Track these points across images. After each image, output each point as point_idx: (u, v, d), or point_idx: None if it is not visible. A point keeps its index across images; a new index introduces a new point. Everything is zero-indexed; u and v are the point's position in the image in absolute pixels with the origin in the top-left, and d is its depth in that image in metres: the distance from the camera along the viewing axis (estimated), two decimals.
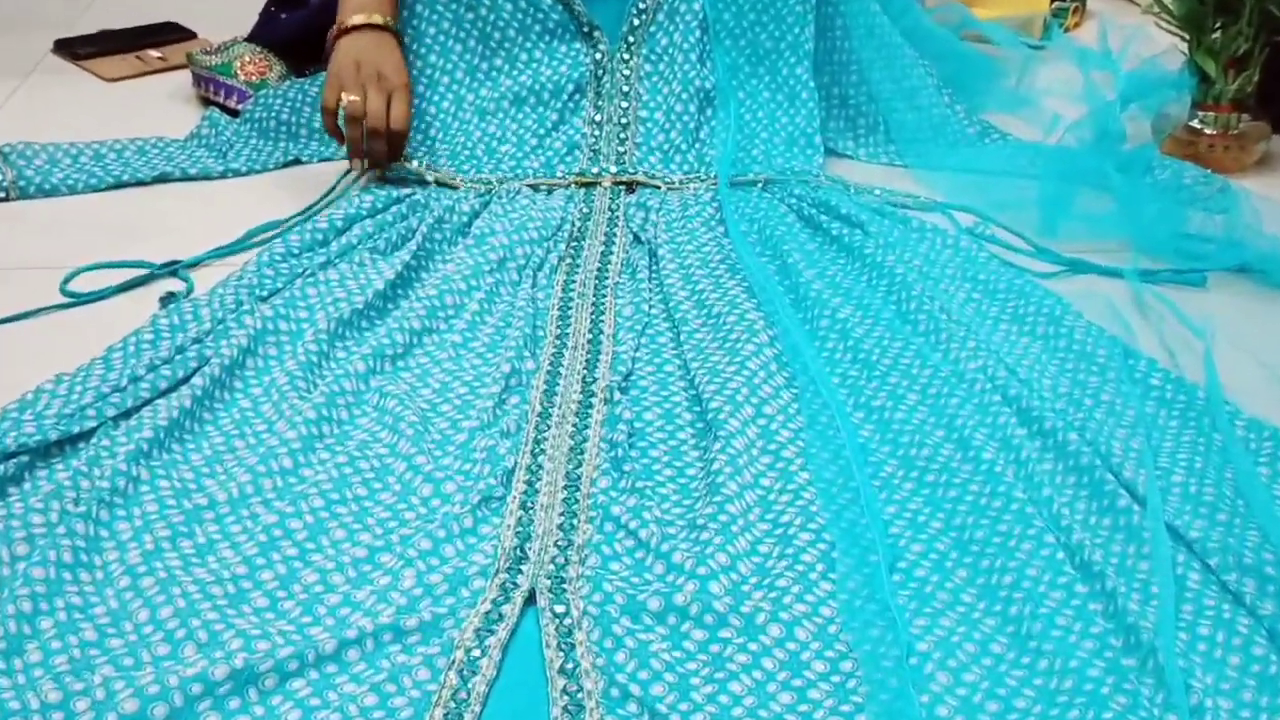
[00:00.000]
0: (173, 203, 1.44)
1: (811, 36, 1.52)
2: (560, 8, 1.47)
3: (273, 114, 1.56)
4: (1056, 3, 2.06)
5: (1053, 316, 1.19)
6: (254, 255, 1.25)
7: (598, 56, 1.48)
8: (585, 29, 1.48)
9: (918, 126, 1.55)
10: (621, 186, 1.43)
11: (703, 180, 1.44)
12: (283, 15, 1.71)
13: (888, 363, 1.12)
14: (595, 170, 1.44)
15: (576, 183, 1.42)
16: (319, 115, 1.54)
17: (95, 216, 1.40)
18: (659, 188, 1.41)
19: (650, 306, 1.22)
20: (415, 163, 1.42)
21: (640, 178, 1.43)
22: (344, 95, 1.37)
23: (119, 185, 1.46)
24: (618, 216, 1.38)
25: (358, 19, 1.41)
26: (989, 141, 1.57)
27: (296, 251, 1.27)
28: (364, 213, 1.34)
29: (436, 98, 1.48)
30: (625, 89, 1.48)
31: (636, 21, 1.48)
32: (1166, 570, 0.89)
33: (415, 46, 1.47)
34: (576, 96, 1.48)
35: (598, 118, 1.48)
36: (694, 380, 1.09)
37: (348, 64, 1.38)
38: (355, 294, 1.20)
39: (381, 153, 1.39)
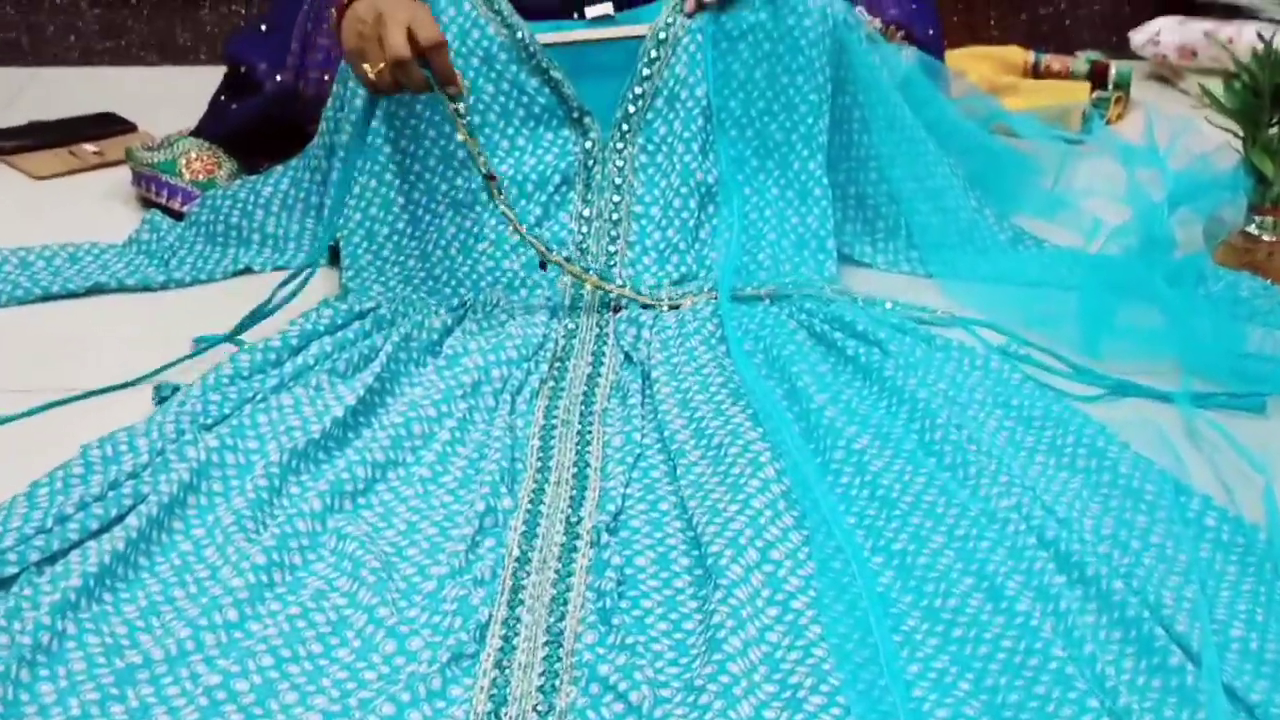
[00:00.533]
0: (109, 317, 1.46)
1: (826, 128, 1.56)
2: (548, 91, 1.51)
3: (221, 217, 1.60)
4: (1097, 92, 2.11)
5: (1095, 448, 1.21)
6: (197, 378, 1.27)
7: (588, 145, 1.52)
8: (575, 115, 1.52)
9: (943, 230, 1.58)
10: (608, 300, 1.45)
11: (700, 292, 1.46)
12: (233, 105, 1.75)
13: (909, 500, 1.13)
14: (582, 267, 1.47)
15: (563, 267, 1.43)
16: (271, 219, 1.58)
17: (21, 333, 1.43)
18: (651, 305, 1.44)
19: (643, 436, 1.24)
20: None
21: (626, 291, 1.45)
22: (366, 69, 1.35)
23: (48, 297, 1.49)
24: (606, 334, 1.41)
25: None
26: (1022, 248, 1.61)
27: (245, 373, 1.29)
28: (321, 329, 1.37)
29: (407, 187, 1.51)
30: (618, 181, 1.52)
31: (632, 108, 1.52)
32: None
33: (385, 130, 1.50)
34: (564, 189, 1.52)
35: (586, 213, 1.51)
36: (692, 520, 1.10)
37: (353, 34, 1.36)
38: (311, 422, 1.22)
39: (421, 80, 1.35)
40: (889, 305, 1.47)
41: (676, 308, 1.45)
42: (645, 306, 1.45)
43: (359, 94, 1.45)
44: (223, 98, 1.77)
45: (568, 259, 1.45)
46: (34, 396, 1.28)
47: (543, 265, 1.42)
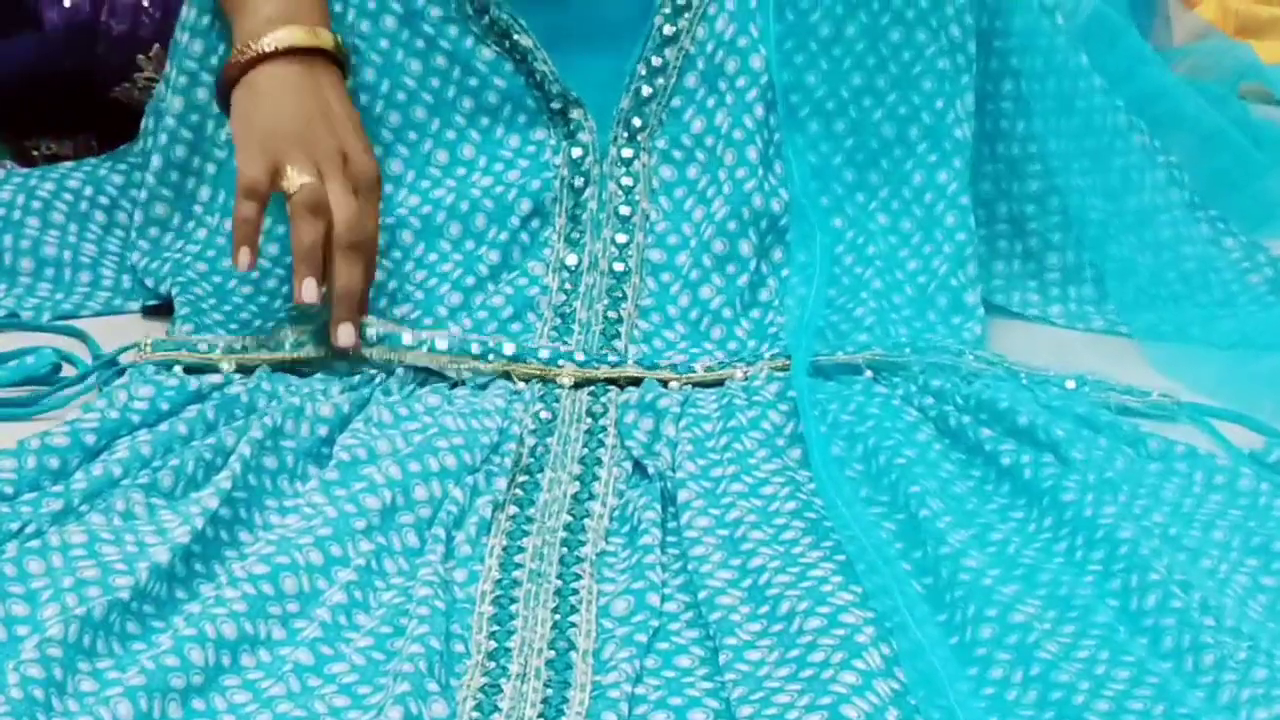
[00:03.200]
0: None
1: (970, 115, 1.57)
2: (509, 67, 1.52)
3: None
4: None
5: None
6: None
7: (576, 154, 1.53)
8: (556, 105, 1.53)
9: (1157, 274, 1.59)
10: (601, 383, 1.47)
11: (762, 364, 1.47)
12: None
13: (1105, 709, 1.13)
14: (566, 346, 1.47)
15: (516, 373, 1.45)
16: (51, 235, 1.59)
17: None
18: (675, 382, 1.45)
19: (664, 599, 1.24)
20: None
21: (632, 370, 1.47)
22: (289, 172, 1.42)
23: None
24: (604, 428, 1.42)
25: (283, 35, 1.45)
26: None
27: (8, 491, 1.30)
28: (135, 418, 1.38)
29: (282, 230, 1.52)
30: (625, 212, 1.53)
31: (647, 89, 1.53)
32: None
33: None
34: (535, 225, 1.53)
35: (573, 262, 1.52)
36: None
37: (285, 119, 1.43)
38: (117, 572, 1.22)
39: (357, 283, 1.44)
40: (1071, 385, 1.47)
41: (716, 384, 1.46)
42: (681, 372, 1.46)
43: None
44: None
45: (515, 355, 1.46)
46: None
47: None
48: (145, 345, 1.46)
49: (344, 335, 1.44)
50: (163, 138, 1.57)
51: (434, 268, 1.52)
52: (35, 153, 1.68)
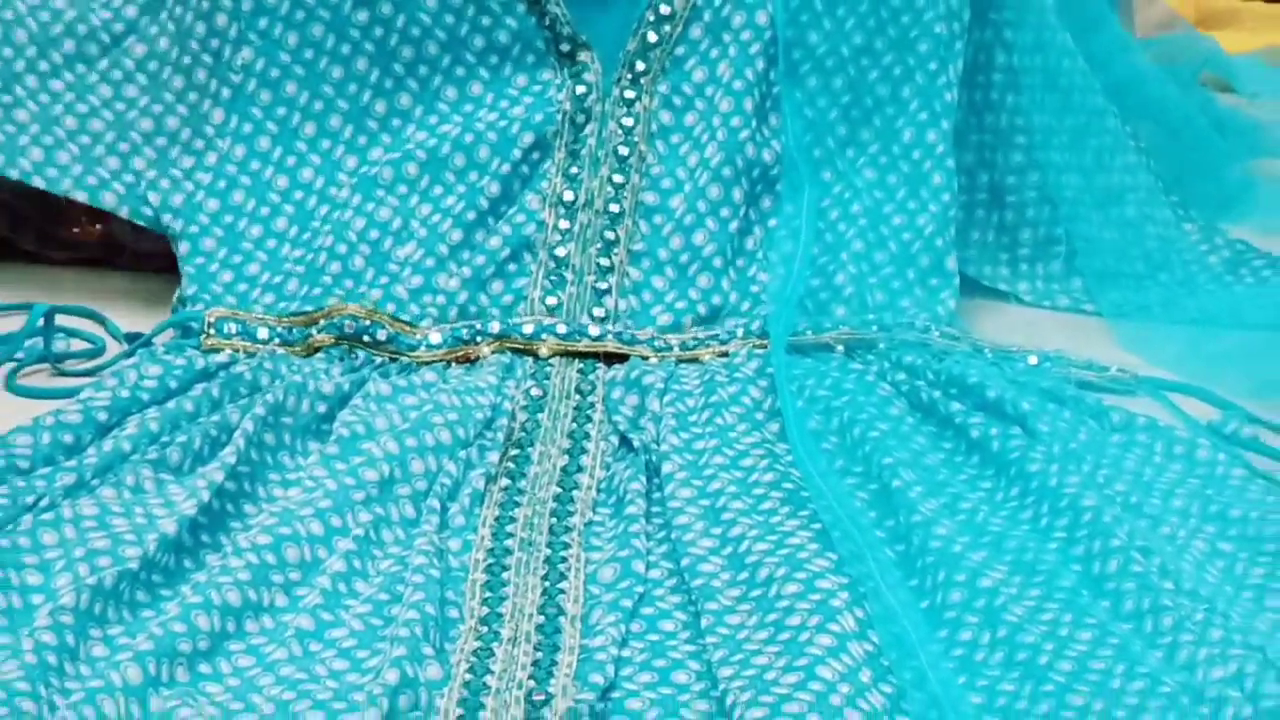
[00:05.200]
0: None
1: (957, 80, 1.57)
2: (522, 8, 1.53)
3: None
4: None
5: None
6: None
7: (580, 92, 1.53)
8: (564, 46, 1.53)
9: (1123, 251, 1.60)
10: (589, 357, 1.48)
11: (737, 337, 1.47)
12: None
13: (1068, 669, 1.13)
14: (554, 301, 1.48)
15: (509, 348, 1.46)
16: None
17: None
18: (663, 347, 1.45)
19: (648, 566, 1.25)
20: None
21: (611, 345, 1.47)
22: None
23: None
24: (592, 404, 1.42)
25: None
26: (1247, 276, 1.62)
27: (23, 465, 1.30)
28: (144, 396, 1.39)
29: (293, 161, 1.53)
30: (623, 152, 1.53)
31: (653, 35, 1.53)
32: None
33: (263, 67, 1.54)
34: (535, 157, 1.53)
35: (570, 197, 1.52)
36: (724, 700, 1.11)
37: None
38: (127, 542, 1.22)
39: None
40: (1034, 360, 1.48)
41: (695, 360, 1.46)
42: (659, 350, 1.46)
43: None
44: None
45: (501, 333, 1.47)
46: None
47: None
48: (208, 329, 1.47)
49: None
50: (186, 58, 1.57)
51: (438, 201, 1.52)
52: None
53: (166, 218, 1.58)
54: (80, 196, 1.58)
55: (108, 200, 1.58)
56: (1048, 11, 1.60)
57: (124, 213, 1.59)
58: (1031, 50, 1.60)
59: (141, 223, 1.59)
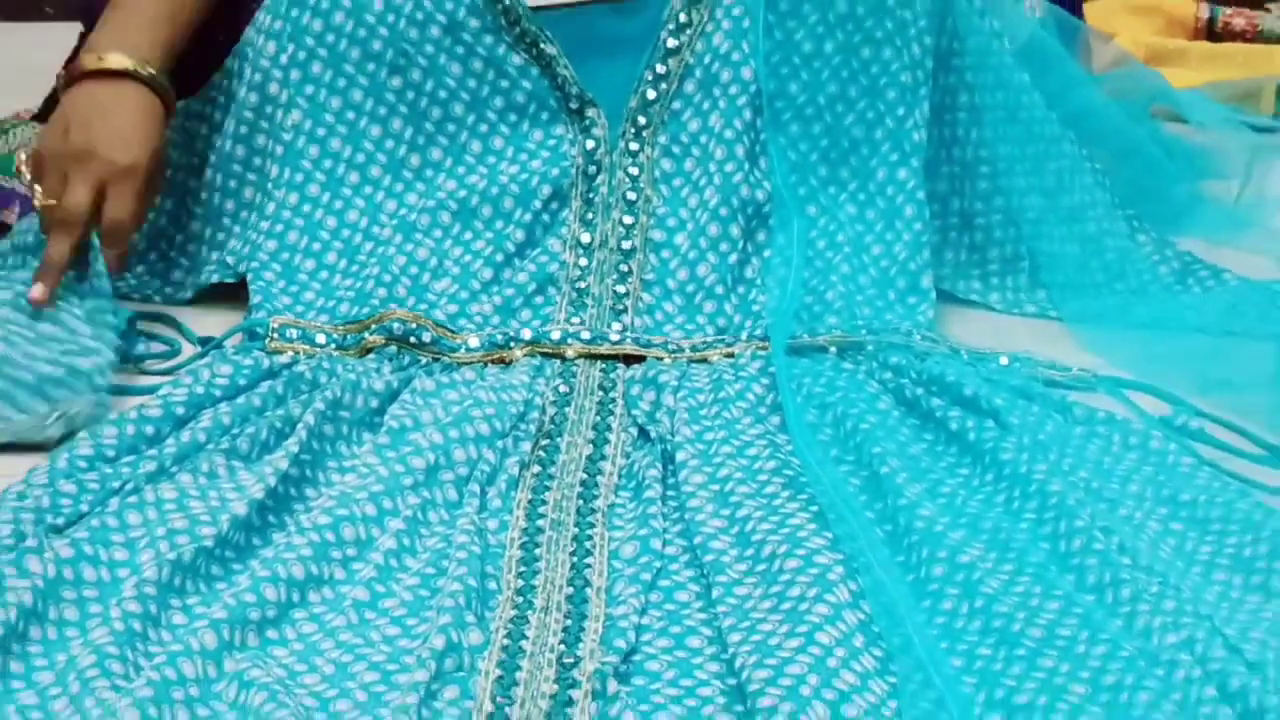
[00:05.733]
0: None
1: (925, 121, 1.57)
2: (536, 72, 1.54)
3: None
4: None
5: None
6: (41, 462, 1.29)
7: (590, 146, 1.54)
8: (574, 105, 1.54)
9: (1083, 265, 1.60)
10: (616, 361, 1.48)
11: (746, 342, 1.48)
12: None
13: (1038, 635, 1.14)
14: (578, 322, 1.48)
15: (539, 353, 1.46)
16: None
17: None
18: (666, 359, 1.46)
19: (665, 543, 1.25)
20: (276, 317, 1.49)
21: (630, 348, 1.48)
22: (35, 189, 1.47)
23: None
24: (614, 399, 1.42)
25: (92, 60, 1.51)
26: (1195, 284, 1.62)
27: (110, 455, 1.30)
28: (216, 393, 1.39)
29: (340, 205, 1.54)
30: (631, 197, 1.54)
31: (652, 93, 1.54)
32: None
33: (311, 127, 1.54)
34: (554, 206, 1.54)
35: (586, 239, 1.53)
36: (733, 663, 1.11)
37: (57, 133, 1.48)
38: (202, 523, 1.22)
39: (61, 260, 1.47)
40: (1004, 361, 1.48)
41: (704, 360, 1.46)
42: (672, 351, 1.46)
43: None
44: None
45: (532, 339, 1.48)
46: None
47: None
48: (273, 332, 1.48)
49: (35, 291, 1.46)
50: (243, 129, 1.57)
51: (469, 245, 1.53)
52: None
53: (231, 259, 1.59)
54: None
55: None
56: (1005, 54, 1.60)
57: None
58: (992, 89, 1.60)
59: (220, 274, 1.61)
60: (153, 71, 1.51)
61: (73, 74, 1.51)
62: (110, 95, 1.50)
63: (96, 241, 1.47)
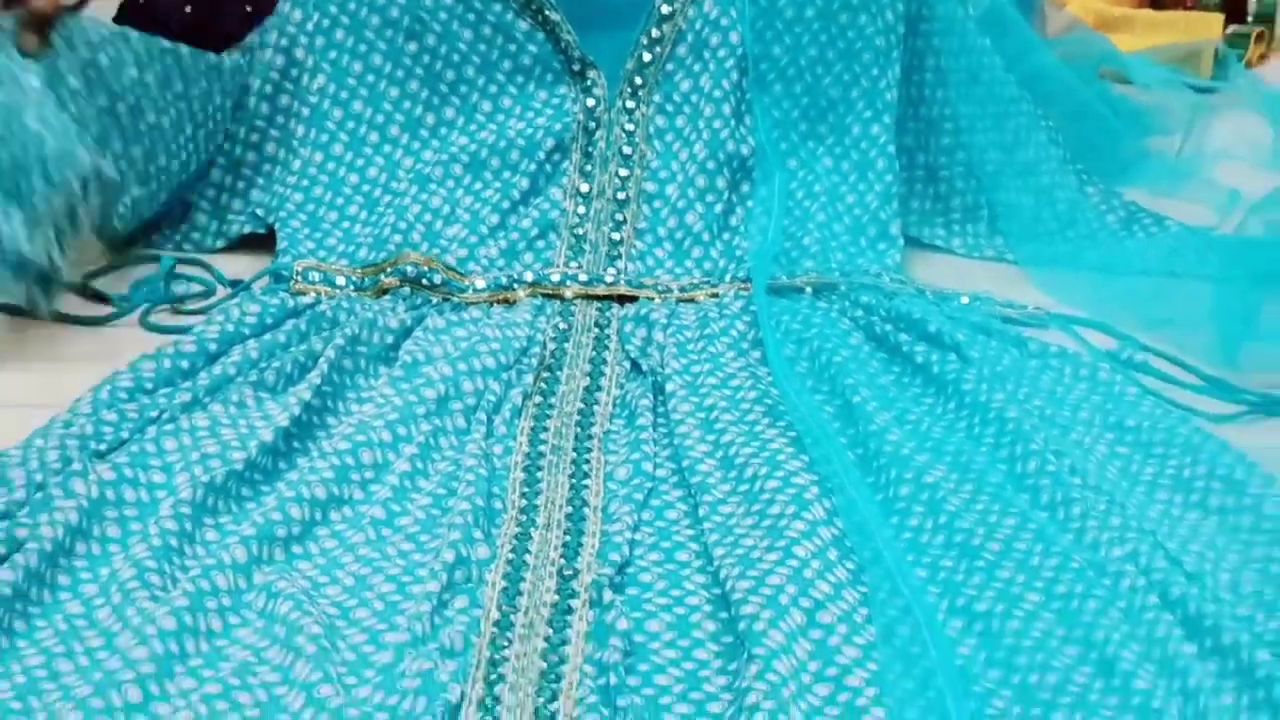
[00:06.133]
0: None
1: (896, 82, 1.58)
2: (541, 36, 1.53)
3: None
4: (1234, 26, 2.13)
5: (1233, 481, 1.22)
6: (85, 391, 1.29)
7: (590, 104, 1.54)
8: (576, 67, 1.54)
9: (1036, 215, 1.61)
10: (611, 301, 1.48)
11: (730, 283, 1.48)
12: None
13: (996, 548, 1.14)
14: (576, 266, 1.48)
15: (541, 294, 1.46)
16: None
17: None
18: (656, 299, 1.46)
19: (655, 466, 1.25)
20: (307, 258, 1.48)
21: (623, 289, 1.48)
22: None
23: None
24: (608, 335, 1.42)
25: None
26: (1139, 232, 1.62)
27: (149, 386, 1.30)
28: (246, 330, 1.39)
29: (361, 162, 1.54)
30: (627, 151, 1.54)
31: (647, 56, 1.54)
32: None
33: (336, 90, 1.54)
34: (556, 158, 1.54)
35: (585, 189, 1.53)
36: (718, 574, 1.11)
37: None
38: (232, 448, 1.23)
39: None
40: (965, 300, 1.48)
41: (690, 300, 1.46)
42: (662, 292, 1.46)
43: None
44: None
45: (534, 281, 1.48)
46: None
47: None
48: (297, 275, 1.47)
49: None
50: (269, 88, 1.57)
51: (478, 194, 1.53)
52: None
53: (260, 211, 1.59)
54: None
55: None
56: (969, 20, 1.60)
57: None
58: (956, 53, 1.60)
59: (251, 225, 1.60)
60: None
61: None
62: None
63: None
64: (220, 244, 1.59)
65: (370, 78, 1.54)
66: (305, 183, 1.55)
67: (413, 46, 1.54)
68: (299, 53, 1.55)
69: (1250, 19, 2.13)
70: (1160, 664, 1.04)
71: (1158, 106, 1.88)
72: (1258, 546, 1.16)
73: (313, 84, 1.56)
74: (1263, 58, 2.11)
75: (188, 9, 1.70)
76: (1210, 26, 2.11)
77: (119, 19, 1.78)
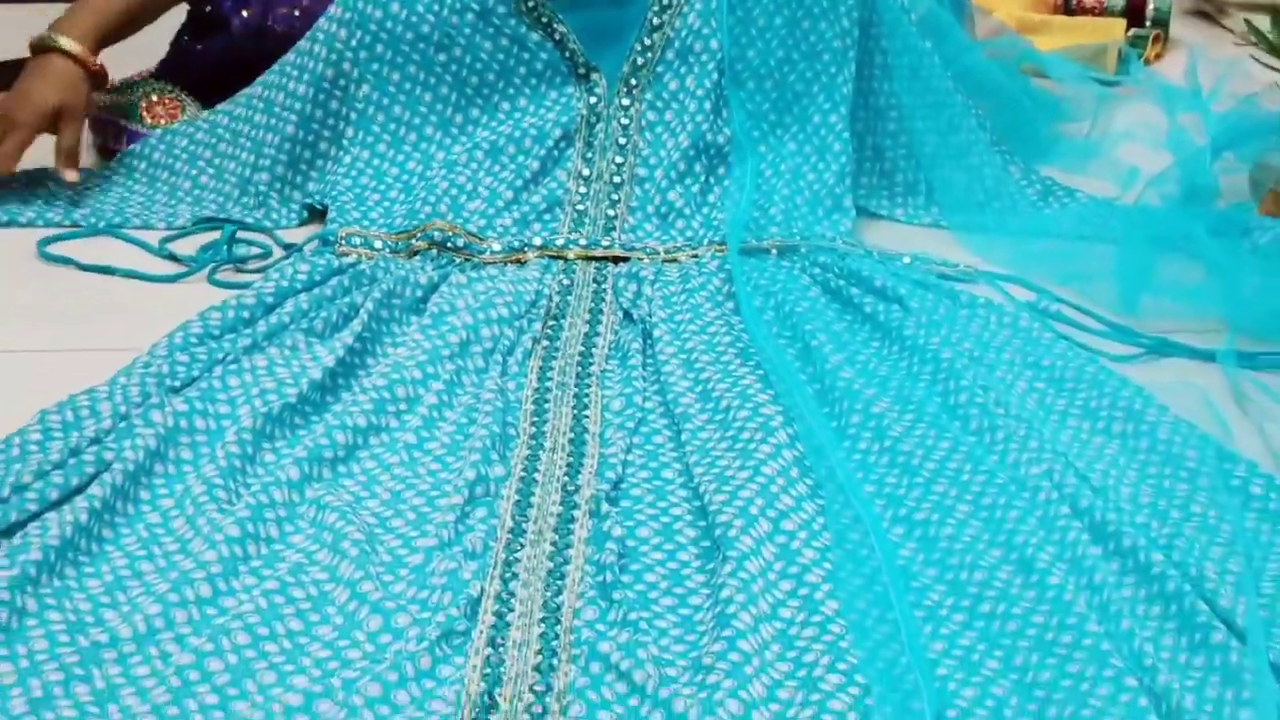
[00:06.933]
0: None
1: (851, 79, 1.57)
2: (551, 46, 1.53)
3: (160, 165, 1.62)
4: (1134, 30, 2.12)
5: (1132, 411, 1.22)
6: (162, 338, 1.28)
7: (592, 101, 1.53)
8: (580, 70, 1.53)
9: (967, 190, 1.60)
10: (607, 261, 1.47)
11: (707, 246, 1.48)
12: (197, 46, 1.75)
13: (932, 467, 1.14)
14: (578, 235, 1.48)
15: (547, 255, 1.46)
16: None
17: None
18: (645, 260, 1.46)
19: (644, 399, 1.25)
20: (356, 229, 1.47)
21: (618, 252, 1.47)
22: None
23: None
24: (605, 290, 1.42)
25: (36, 40, 1.56)
26: (1054, 203, 1.62)
27: (216, 332, 1.30)
28: (298, 285, 1.38)
29: (401, 157, 1.54)
30: (622, 141, 1.53)
31: (640, 60, 1.53)
32: (1271, 718, 0.91)
33: (379, 97, 1.54)
34: (562, 145, 1.53)
35: (586, 172, 1.52)
36: (698, 489, 1.11)
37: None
38: (287, 384, 1.23)
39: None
40: (907, 260, 1.48)
41: (674, 260, 1.46)
42: (650, 254, 1.46)
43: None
44: (186, 37, 1.77)
45: (541, 245, 1.47)
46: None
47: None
48: (341, 239, 1.46)
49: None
50: (320, 95, 1.56)
51: (497, 175, 1.52)
52: None
53: (316, 197, 1.57)
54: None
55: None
56: (911, 25, 1.59)
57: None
58: (900, 53, 1.59)
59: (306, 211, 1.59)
60: (79, 51, 1.54)
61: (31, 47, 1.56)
62: (42, 68, 1.54)
63: None
64: (288, 224, 1.57)
65: (407, 85, 1.54)
66: (354, 174, 1.54)
67: (442, 57, 1.53)
68: (346, 65, 1.54)
69: (1148, 24, 2.12)
70: (1071, 563, 1.04)
71: (1070, 97, 1.87)
72: (1153, 465, 1.17)
73: (358, 92, 1.55)
74: (1158, 56, 2.10)
75: (244, 13, 1.69)
76: (1114, 30, 2.09)
77: (186, 28, 1.77)
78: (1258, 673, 0.94)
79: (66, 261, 1.46)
